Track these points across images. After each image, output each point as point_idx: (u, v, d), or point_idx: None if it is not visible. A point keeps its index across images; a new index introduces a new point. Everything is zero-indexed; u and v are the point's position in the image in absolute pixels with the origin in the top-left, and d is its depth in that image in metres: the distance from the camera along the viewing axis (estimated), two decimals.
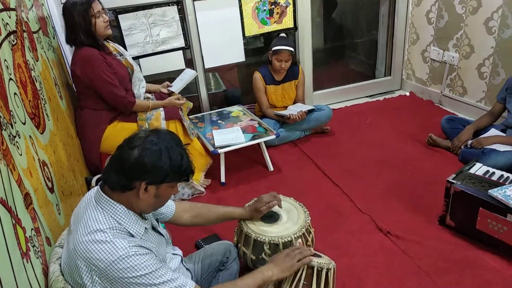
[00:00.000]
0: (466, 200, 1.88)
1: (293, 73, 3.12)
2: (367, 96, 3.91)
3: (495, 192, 1.77)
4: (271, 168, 2.73)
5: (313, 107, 3.06)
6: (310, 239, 1.70)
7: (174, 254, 1.39)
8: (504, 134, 2.55)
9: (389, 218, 2.14)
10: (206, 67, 3.19)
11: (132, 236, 1.13)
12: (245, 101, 3.47)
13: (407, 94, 3.86)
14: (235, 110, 3.11)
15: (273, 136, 2.65)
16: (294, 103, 3.22)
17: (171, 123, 2.36)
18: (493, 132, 2.59)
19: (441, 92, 3.52)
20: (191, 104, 2.67)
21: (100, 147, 2.28)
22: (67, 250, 1.13)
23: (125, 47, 2.82)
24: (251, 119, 2.91)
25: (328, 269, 1.40)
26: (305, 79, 3.24)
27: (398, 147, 2.90)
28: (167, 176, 1.13)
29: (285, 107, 3.17)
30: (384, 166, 2.66)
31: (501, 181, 1.93)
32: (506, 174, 1.98)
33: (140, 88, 2.42)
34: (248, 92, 3.38)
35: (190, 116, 2.94)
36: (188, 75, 2.69)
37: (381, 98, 3.83)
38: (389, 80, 3.96)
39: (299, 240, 1.63)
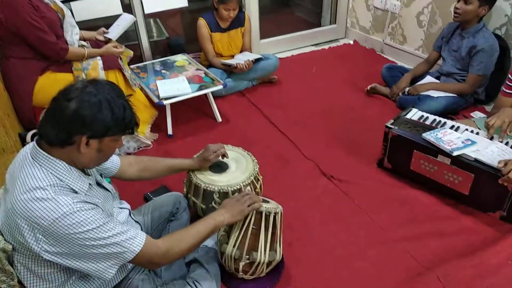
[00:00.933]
0: (402, 144, 2.01)
1: (239, 20, 3.02)
2: (313, 45, 3.92)
3: (428, 135, 1.91)
4: (219, 119, 2.71)
5: (260, 56, 3.02)
6: (258, 186, 1.75)
7: (121, 208, 1.37)
8: (438, 81, 2.72)
9: (332, 163, 2.25)
10: (146, 12, 2.99)
11: (76, 192, 1.09)
12: (190, 50, 3.34)
13: (351, 42, 3.92)
14: (180, 59, 2.99)
15: (220, 86, 2.61)
16: (241, 52, 3.15)
17: (111, 73, 2.23)
18: (428, 79, 2.74)
19: (383, 41, 3.62)
20: (131, 52, 2.52)
21: (33, 100, 2.11)
22: (5, 210, 1.07)
23: None
24: (197, 69, 2.83)
25: (275, 213, 1.47)
26: (251, 27, 3.16)
27: (342, 95, 2.99)
28: (109, 129, 1.08)
29: (232, 56, 3.10)
30: (329, 114, 2.75)
31: (434, 125, 2.07)
32: (438, 118, 2.13)
33: (73, 35, 2.22)
34: (193, 40, 3.25)
35: (131, 66, 2.79)
36: (126, 21, 2.51)
37: (326, 46, 3.87)
38: (334, 28, 3.99)
39: (248, 188, 1.67)
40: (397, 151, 2.06)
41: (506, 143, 1.88)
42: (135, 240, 1.10)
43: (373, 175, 2.17)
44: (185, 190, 1.76)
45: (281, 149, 2.42)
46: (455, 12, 2.47)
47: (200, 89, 2.55)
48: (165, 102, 2.40)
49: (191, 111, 2.82)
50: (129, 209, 1.41)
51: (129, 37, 3.10)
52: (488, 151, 1.80)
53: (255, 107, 2.88)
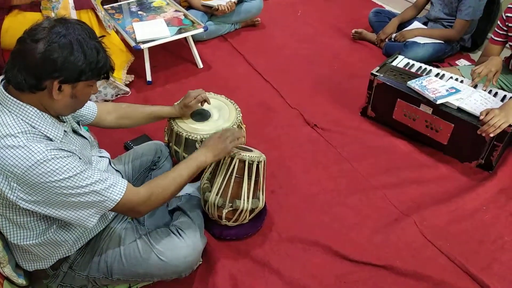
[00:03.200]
0: (386, 92, 1.99)
1: None
2: None
3: (413, 83, 1.89)
4: (201, 65, 2.61)
5: None
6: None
7: (100, 156, 1.33)
8: (425, 27, 2.65)
9: (316, 112, 2.23)
10: None
11: (50, 140, 1.03)
12: None
13: None
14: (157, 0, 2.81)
15: (201, 30, 2.48)
16: None
17: (83, 13, 2.07)
18: (415, 25, 2.68)
19: None
20: None
21: (1, 42, 1.97)
22: None
23: None
24: (176, 10, 2.67)
25: (258, 162, 1.46)
26: None
27: (327, 41, 2.90)
28: (82, 74, 1.00)
29: None
30: (313, 61, 2.68)
31: (419, 72, 2.05)
32: (424, 66, 2.10)
33: None
34: None
35: (105, 6, 2.61)
36: None
37: None
38: None
39: None
40: (381, 99, 2.05)
41: (489, 92, 1.89)
42: (116, 188, 1.07)
43: (356, 123, 2.17)
44: (166, 138, 1.72)
45: (265, 97, 2.37)
46: None
47: (179, 32, 2.42)
48: (142, 46, 2.28)
49: (170, 56, 2.70)
50: (109, 158, 1.37)
51: None
52: (472, 99, 1.81)
53: (238, 53, 2.77)
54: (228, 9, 2.72)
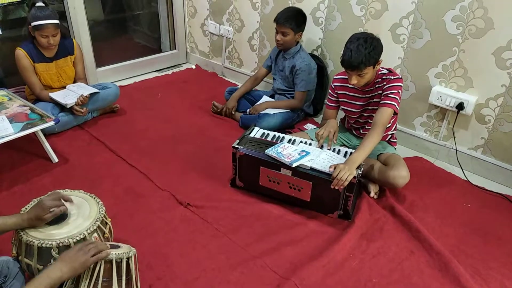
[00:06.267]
0: (249, 162, 2.11)
1: (66, 48, 2.76)
2: (155, 71, 3.87)
3: (270, 151, 2.05)
4: (55, 159, 2.40)
5: (96, 91, 2.79)
6: (107, 231, 1.59)
7: None
8: (273, 100, 2.98)
9: (187, 190, 2.22)
10: None
11: None
12: (12, 83, 2.91)
13: (193, 67, 4.00)
14: None
15: (52, 123, 2.31)
16: (75, 81, 2.89)
17: None
18: (264, 99, 3.00)
19: (222, 64, 3.79)
20: None
21: None
22: None
23: None
24: (21, 105, 2.46)
25: (128, 258, 1.35)
26: (83, 55, 2.93)
27: (190, 119, 3.00)
28: None
29: (64, 87, 2.81)
30: (178, 140, 2.72)
31: (274, 140, 2.24)
32: (277, 134, 2.31)
33: None
34: (14, 72, 2.83)
35: None
36: None
37: (169, 72, 3.86)
38: (175, 54, 4.01)
39: (95, 234, 1.50)
40: (246, 169, 2.16)
41: (333, 150, 2.16)
42: None
43: (228, 195, 2.21)
44: (14, 251, 1.48)
45: (132, 183, 2.27)
46: (277, 42, 2.77)
47: (26, 128, 2.21)
48: None
49: (17, 154, 2.43)
50: None
51: None
52: (320, 158, 2.03)
53: (98, 141, 2.65)
54: (80, 102, 2.66)
